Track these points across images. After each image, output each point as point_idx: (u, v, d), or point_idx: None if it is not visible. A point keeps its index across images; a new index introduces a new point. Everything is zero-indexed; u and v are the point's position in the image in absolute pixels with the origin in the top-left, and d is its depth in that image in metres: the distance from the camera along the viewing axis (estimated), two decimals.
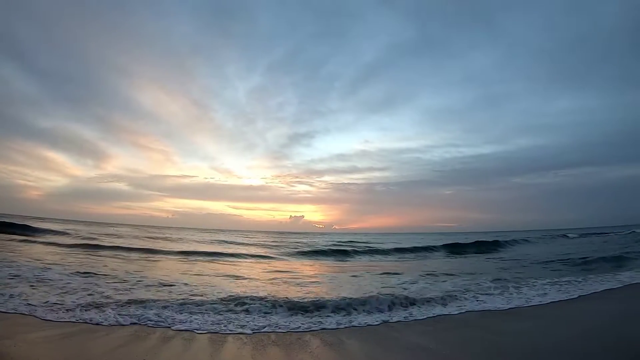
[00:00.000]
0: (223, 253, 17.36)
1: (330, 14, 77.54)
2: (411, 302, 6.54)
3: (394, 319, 5.64)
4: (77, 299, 5.99)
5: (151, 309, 5.54)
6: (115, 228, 43.80)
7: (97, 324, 4.82)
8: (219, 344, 4.34)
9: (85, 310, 5.34)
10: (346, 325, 5.26)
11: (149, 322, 5.01)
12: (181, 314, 5.46)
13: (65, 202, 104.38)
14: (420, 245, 24.22)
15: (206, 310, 5.71)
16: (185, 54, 79.21)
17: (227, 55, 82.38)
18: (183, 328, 4.83)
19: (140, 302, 5.88)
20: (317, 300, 6.37)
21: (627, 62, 76.23)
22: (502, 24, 74.71)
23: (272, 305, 6.07)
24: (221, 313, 5.62)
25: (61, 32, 68.39)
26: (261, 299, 6.43)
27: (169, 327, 4.85)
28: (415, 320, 5.66)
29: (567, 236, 33.90)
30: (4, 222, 23.27)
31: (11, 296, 5.82)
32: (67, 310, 5.33)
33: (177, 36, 73.97)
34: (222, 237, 34.15)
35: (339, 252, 20.30)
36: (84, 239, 20.29)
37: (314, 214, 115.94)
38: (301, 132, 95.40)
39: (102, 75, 76.15)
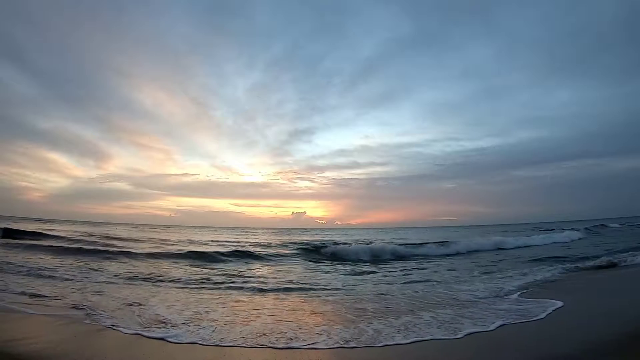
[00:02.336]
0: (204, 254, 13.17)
1: (328, 10, 76.01)
2: None
3: None
4: None
5: None
6: (117, 227, 41.70)
7: None
8: None
9: None
10: None
11: None
12: None
13: (67, 203, 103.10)
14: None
15: None
16: (183, 53, 77.23)
17: (225, 53, 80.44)
18: None
19: None
20: None
21: (626, 52, 75.44)
22: (499, 16, 73.63)
23: None
24: None
25: (59, 33, 67.38)
26: None
27: None
28: None
29: (607, 226, 31.71)
30: None
31: None
32: None
33: (175, 35, 72.48)
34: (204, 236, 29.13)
35: None
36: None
37: (316, 210, 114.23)
38: (301, 129, 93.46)
39: (100, 75, 75.26)
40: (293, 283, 7.57)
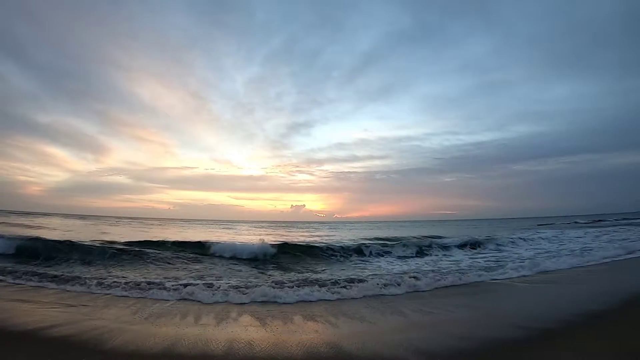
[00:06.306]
0: None
1: (326, 4, 75.74)
2: None
3: None
4: None
5: None
6: (117, 221, 41.32)
7: None
8: None
9: None
10: None
11: None
12: None
13: (66, 196, 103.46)
14: None
15: None
16: (182, 47, 76.67)
17: (224, 47, 79.99)
18: None
19: None
20: None
21: (624, 48, 75.60)
22: (498, 11, 73.18)
23: None
24: None
25: (58, 27, 66.96)
26: None
27: None
28: None
29: None
30: None
31: None
32: None
33: (174, 29, 71.92)
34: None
35: None
36: None
37: (315, 203, 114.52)
38: (300, 122, 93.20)
39: (99, 69, 75.10)
40: None
